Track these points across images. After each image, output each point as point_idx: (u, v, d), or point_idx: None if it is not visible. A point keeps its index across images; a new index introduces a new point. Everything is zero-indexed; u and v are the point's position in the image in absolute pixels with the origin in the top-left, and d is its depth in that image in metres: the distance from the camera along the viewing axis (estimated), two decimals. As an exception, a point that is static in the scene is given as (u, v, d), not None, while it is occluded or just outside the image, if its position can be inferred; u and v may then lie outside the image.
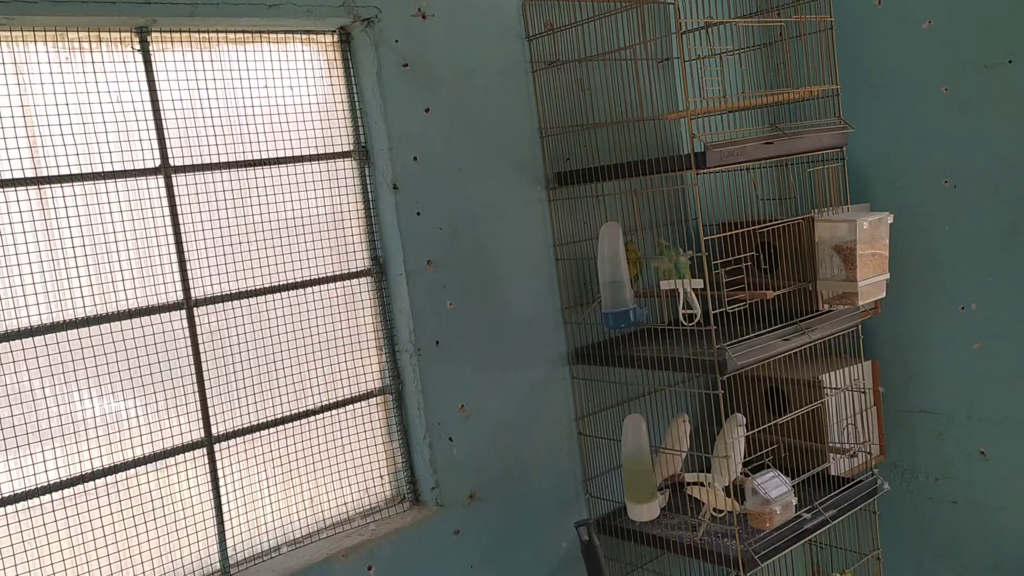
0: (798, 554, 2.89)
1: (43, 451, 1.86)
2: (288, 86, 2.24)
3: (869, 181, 3.04)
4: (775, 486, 2.37)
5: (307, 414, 2.27)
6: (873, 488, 2.67)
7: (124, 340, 1.96)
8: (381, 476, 2.42)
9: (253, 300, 2.18)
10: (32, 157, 1.86)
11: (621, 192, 2.72)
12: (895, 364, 3.08)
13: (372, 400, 2.40)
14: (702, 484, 2.44)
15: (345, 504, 2.34)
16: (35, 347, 1.84)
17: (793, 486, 2.45)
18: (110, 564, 1.93)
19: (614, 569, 2.72)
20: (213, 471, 2.09)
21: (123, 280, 1.97)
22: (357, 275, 2.38)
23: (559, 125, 2.63)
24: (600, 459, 2.72)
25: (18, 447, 1.82)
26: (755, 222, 2.56)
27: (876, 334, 3.10)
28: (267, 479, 2.20)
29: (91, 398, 1.92)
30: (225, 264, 2.12)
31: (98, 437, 1.93)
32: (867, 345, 3.02)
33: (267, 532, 2.20)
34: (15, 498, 1.82)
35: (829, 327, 2.54)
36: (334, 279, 2.33)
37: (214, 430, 2.10)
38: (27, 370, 1.84)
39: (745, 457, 2.51)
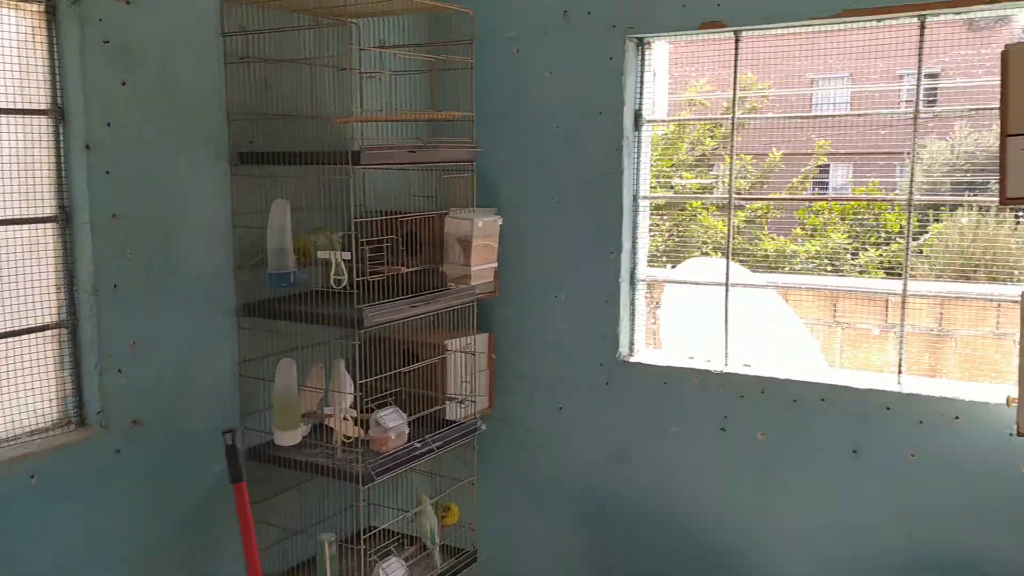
0: (420, 485, 3.59)
1: None
2: (-10, 43, 2.48)
3: (499, 191, 3.83)
4: (393, 419, 3.03)
5: (-18, 339, 2.53)
6: (474, 428, 3.45)
7: None
8: (51, 401, 2.71)
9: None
10: None
11: (293, 176, 3.24)
12: (506, 336, 3.91)
13: (47, 332, 2.69)
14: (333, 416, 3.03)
15: (13, 423, 2.62)
16: None
17: (409, 422, 3.13)
18: None
19: (266, 492, 3.22)
20: None
21: None
22: (43, 220, 2.66)
23: (245, 112, 3.08)
24: (258, 398, 3.21)
25: None
26: (405, 213, 3.21)
27: (494, 312, 3.91)
28: (-63, 395, 2.43)
29: None
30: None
31: None
32: (487, 320, 3.82)
33: (-67, 442, 2.43)
34: None
35: (449, 300, 3.26)
36: (20, 221, 2.60)
37: None
38: None
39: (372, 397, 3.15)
